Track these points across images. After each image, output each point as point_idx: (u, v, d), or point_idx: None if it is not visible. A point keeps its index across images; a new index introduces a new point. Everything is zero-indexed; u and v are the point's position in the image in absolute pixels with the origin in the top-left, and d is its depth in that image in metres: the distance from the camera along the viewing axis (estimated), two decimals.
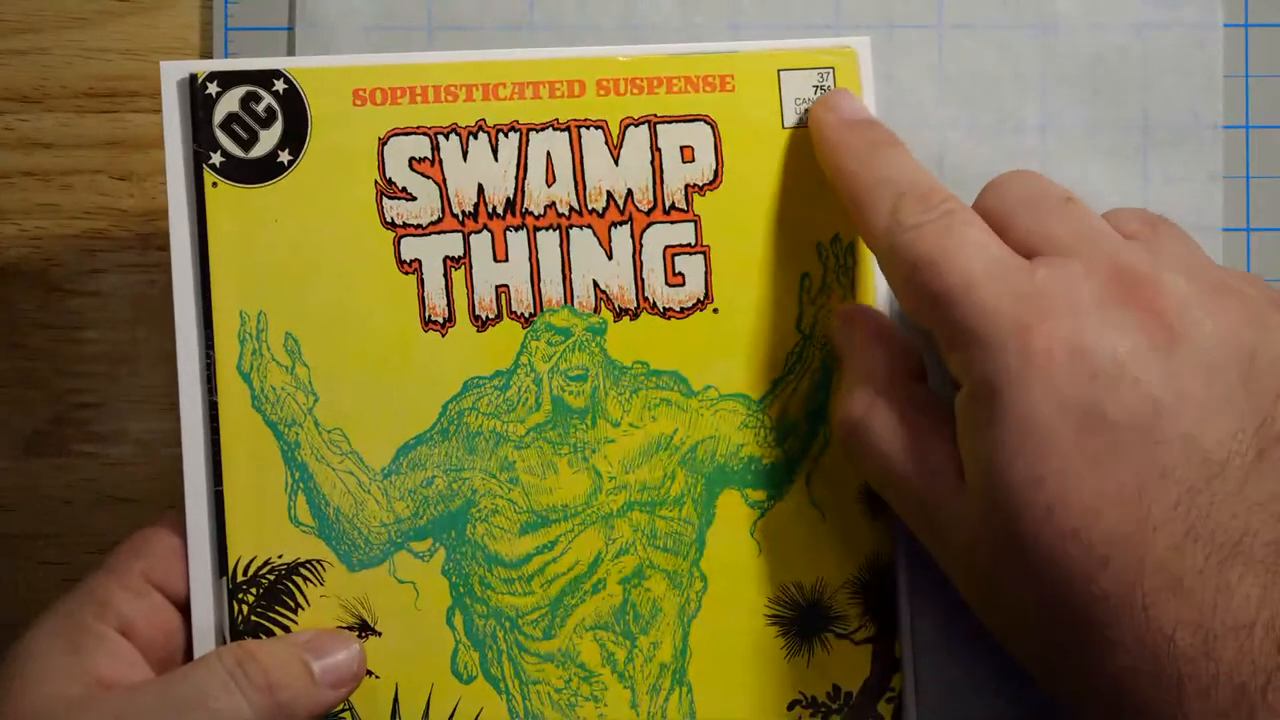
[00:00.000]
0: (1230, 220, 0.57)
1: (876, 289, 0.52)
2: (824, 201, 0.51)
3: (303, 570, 0.49)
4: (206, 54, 0.57)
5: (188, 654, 0.49)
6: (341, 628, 0.50)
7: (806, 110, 0.51)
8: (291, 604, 0.49)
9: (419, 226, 0.50)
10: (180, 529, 0.49)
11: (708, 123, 0.51)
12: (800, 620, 0.51)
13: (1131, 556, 0.40)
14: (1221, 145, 0.58)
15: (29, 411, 0.57)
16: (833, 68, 0.52)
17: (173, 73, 0.50)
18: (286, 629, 0.49)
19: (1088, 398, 0.42)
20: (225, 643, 0.49)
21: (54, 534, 0.57)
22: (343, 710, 0.50)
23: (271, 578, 0.49)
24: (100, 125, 0.57)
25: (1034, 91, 0.58)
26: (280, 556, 0.49)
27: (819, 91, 0.51)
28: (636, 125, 0.51)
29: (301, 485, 0.49)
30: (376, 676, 0.50)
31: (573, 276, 0.51)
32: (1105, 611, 0.41)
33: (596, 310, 0.51)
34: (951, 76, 0.58)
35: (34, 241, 0.57)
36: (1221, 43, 0.58)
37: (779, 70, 0.51)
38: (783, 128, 0.51)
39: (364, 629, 0.50)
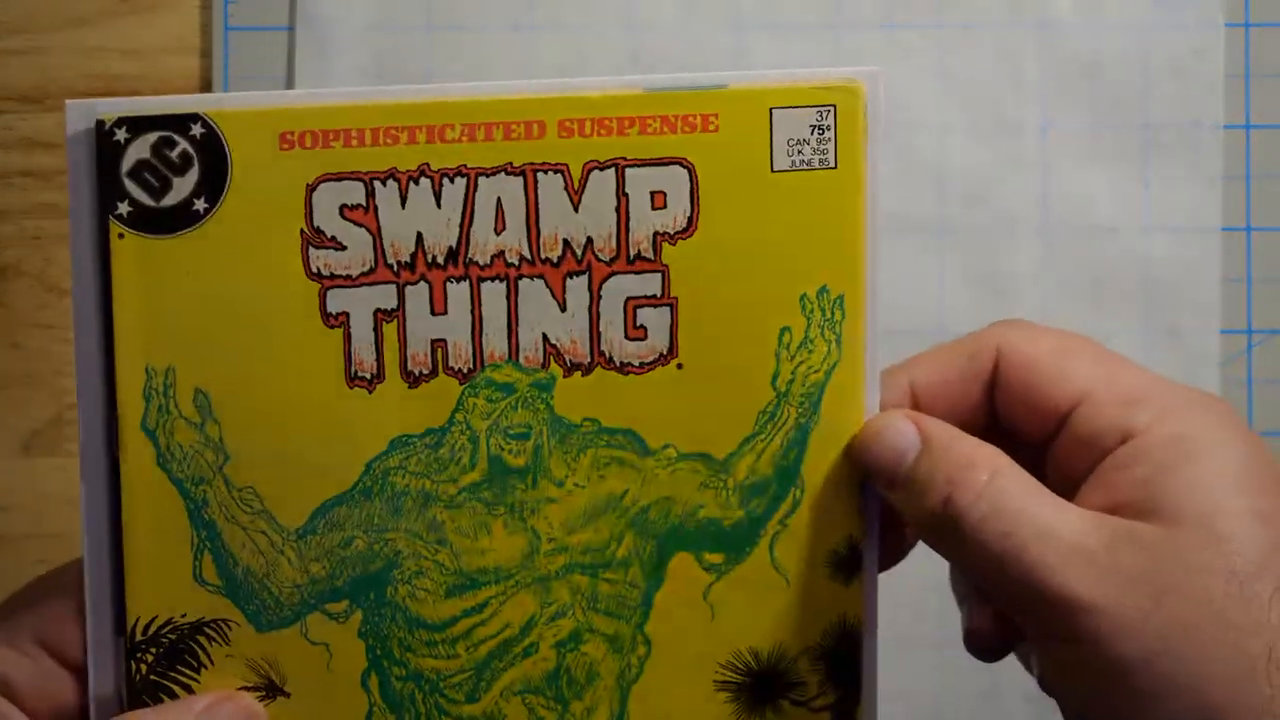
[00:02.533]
0: (1230, 220, 0.58)
1: (866, 344, 0.47)
2: (811, 249, 0.46)
3: (207, 629, 0.46)
4: (207, 53, 0.57)
5: (82, 717, 0.46)
6: (246, 688, 0.47)
7: (799, 153, 0.45)
8: (194, 663, 0.46)
9: (348, 277, 0.45)
10: (75, 587, 0.46)
11: (684, 166, 0.45)
12: (753, 686, 0.48)
13: None
14: (1222, 146, 0.57)
15: (29, 411, 0.57)
16: (833, 105, 0.46)
17: (78, 114, 0.44)
18: (189, 689, 0.46)
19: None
20: (123, 705, 0.46)
21: (54, 534, 0.57)
22: None
23: (173, 637, 0.46)
24: None
25: (1034, 94, 0.57)
26: (184, 615, 0.46)
27: (816, 132, 0.45)
28: (602, 169, 0.45)
29: (208, 544, 0.46)
30: None
31: (519, 329, 0.46)
32: None
33: (545, 365, 0.46)
34: (951, 78, 0.57)
35: (34, 241, 0.57)
36: (1222, 44, 0.57)
37: (771, 108, 0.45)
38: (771, 172, 0.46)
39: (271, 690, 0.47)
